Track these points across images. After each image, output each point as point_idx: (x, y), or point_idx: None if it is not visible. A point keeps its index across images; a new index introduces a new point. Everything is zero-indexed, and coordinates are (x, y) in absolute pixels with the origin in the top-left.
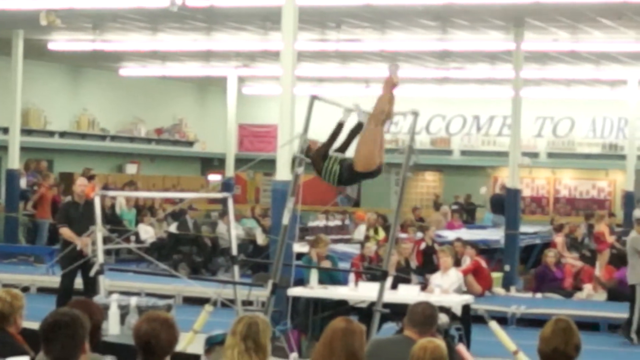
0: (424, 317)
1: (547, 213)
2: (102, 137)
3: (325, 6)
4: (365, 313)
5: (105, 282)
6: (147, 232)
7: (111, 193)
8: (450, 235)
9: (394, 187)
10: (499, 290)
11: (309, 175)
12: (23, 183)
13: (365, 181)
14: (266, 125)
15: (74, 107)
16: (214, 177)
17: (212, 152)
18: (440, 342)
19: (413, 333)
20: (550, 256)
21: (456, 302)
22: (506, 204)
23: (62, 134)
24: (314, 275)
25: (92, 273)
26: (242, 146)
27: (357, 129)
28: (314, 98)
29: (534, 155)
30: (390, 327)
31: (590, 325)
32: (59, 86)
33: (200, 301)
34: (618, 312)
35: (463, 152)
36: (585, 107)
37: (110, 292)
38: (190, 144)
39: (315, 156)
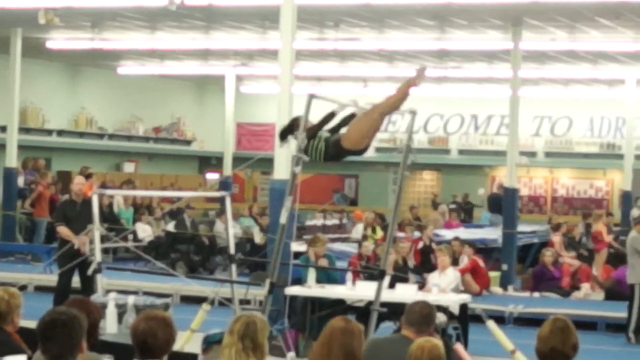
0: (421, 316)
1: (545, 212)
2: (100, 136)
3: (324, 5)
4: (362, 312)
5: (102, 280)
6: (145, 231)
7: (109, 192)
8: (448, 234)
9: (392, 186)
10: (496, 289)
11: (307, 174)
12: (21, 181)
13: (364, 181)
14: (264, 124)
15: (72, 105)
16: (212, 176)
17: (210, 150)
18: (437, 341)
19: (411, 332)
20: (547, 255)
21: (454, 301)
22: (504, 203)
23: (60, 133)
24: (311, 274)
25: (89, 272)
26: (240, 145)
27: (350, 118)
28: (312, 97)
29: (532, 154)
30: (388, 327)
31: (587, 325)
32: (57, 85)
33: (197, 300)
34: (616, 312)
35: (461, 151)
36: (583, 107)
37: (107, 291)
38: (188, 142)
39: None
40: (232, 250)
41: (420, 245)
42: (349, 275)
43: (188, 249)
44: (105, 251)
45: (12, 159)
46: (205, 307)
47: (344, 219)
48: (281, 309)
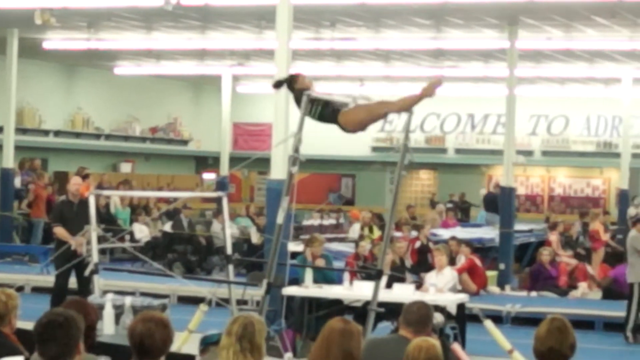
0: (419, 316)
1: (542, 211)
2: (97, 136)
3: (320, 5)
4: (360, 312)
5: (99, 281)
6: (142, 231)
7: (106, 192)
8: (445, 233)
9: (389, 186)
10: (493, 288)
11: (304, 174)
12: (17, 182)
13: (361, 180)
14: (261, 123)
15: (68, 105)
16: (209, 176)
17: (206, 150)
18: (435, 341)
19: (408, 332)
20: (545, 254)
21: (451, 301)
22: (501, 203)
23: (57, 133)
24: (308, 274)
25: (86, 273)
26: (236, 145)
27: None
28: (308, 96)
29: (529, 153)
30: (385, 327)
31: (585, 324)
32: (54, 85)
33: (195, 300)
34: (613, 311)
35: (457, 151)
36: (579, 105)
37: (104, 292)
38: (184, 142)
39: (298, 94)
40: (229, 250)
41: (418, 244)
42: (346, 275)
43: (185, 249)
44: (102, 252)
45: (9, 160)
46: (202, 308)
47: (341, 219)
48: (278, 310)
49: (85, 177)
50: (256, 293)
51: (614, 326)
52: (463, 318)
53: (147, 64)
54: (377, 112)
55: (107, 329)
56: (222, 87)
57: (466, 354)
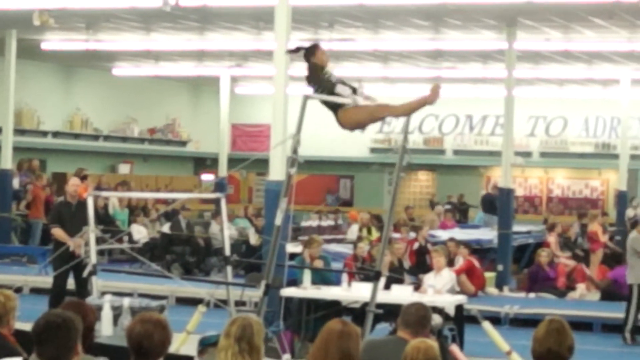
0: (417, 317)
1: (540, 212)
2: (95, 137)
3: (318, 6)
4: (358, 313)
5: (97, 282)
6: (140, 233)
7: (104, 193)
8: (443, 235)
9: (387, 187)
10: (492, 290)
11: (302, 175)
12: (16, 183)
13: (359, 181)
14: (259, 125)
15: (67, 106)
16: (207, 177)
17: (205, 151)
18: (432, 342)
19: (406, 334)
20: (543, 256)
21: (449, 302)
22: (499, 204)
23: (55, 134)
24: (307, 275)
25: (84, 274)
26: (235, 146)
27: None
28: (307, 98)
29: (527, 154)
30: (384, 328)
31: (583, 325)
32: (52, 86)
33: (193, 302)
34: (611, 312)
35: (456, 152)
36: (578, 107)
37: (103, 293)
38: (183, 143)
39: (312, 67)
40: (227, 251)
41: (416, 246)
42: (345, 277)
43: (183, 250)
44: (100, 253)
45: (7, 161)
46: (200, 309)
47: (339, 220)
48: (277, 311)
49: (83, 178)
50: (254, 294)
51: (612, 327)
52: (461, 319)
53: (146, 65)
54: (377, 115)
55: (106, 330)
56: (220, 88)
57: (464, 356)
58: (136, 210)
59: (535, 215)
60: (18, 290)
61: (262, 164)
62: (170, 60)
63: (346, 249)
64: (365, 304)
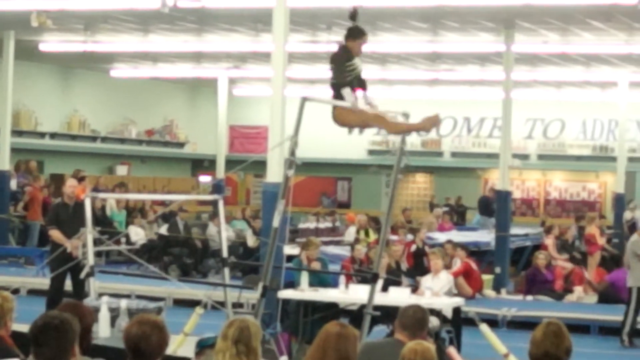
0: (415, 320)
1: (538, 215)
2: (93, 139)
3: (316, 8)
4: (355, 316)
5: (95, 284)
6: (138, 234)
7: (102, 195)
8: (440, 237)
9: (385, 189)
10: (489, 292)
11: (300, 177)
12: (13, 184)
13: (357, 183)
14: (257, 126)
15: (64, 108)
16: (205, 179)
17: (202, 153)
18: (429, 344)
19: (404, 336)
20: (540, 258)
21: (447, 304)
22: (497, 206)
23: (53, 135)
24: (304, 277)
25: (82, 275)
26: (232, 147)
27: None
28: (304, 100)
29: (525, 157)
30: (381, 330)
31: (581, 328)
32: (50, 87)
33: (190, 303)
34: (609, 315)
35: (453, 154)
36: (575, 109)
37: (100, 295)
38: (180, 145)
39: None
40: (224, 253)
41: (413, 248)
42: (342, 279)
43: (181, 252)
44: (97, 254)
45: (5, 162)
46: (198, 311)
47: (337, 222)
48: (274, 313)
49: (81, 179)
50: (252, 296)
51: (609, 330)
52: (459, 322)
53: (144, 67)
54: (371, 124)
55: (103, 331)
56: (218, 89)
57: (462, 358)
58: (134, 212)
59: (532, 218)
60: (15, 291)
61: (259, 166)
62: (168, 62)
63: (344, 251)
64: (363, 306)
